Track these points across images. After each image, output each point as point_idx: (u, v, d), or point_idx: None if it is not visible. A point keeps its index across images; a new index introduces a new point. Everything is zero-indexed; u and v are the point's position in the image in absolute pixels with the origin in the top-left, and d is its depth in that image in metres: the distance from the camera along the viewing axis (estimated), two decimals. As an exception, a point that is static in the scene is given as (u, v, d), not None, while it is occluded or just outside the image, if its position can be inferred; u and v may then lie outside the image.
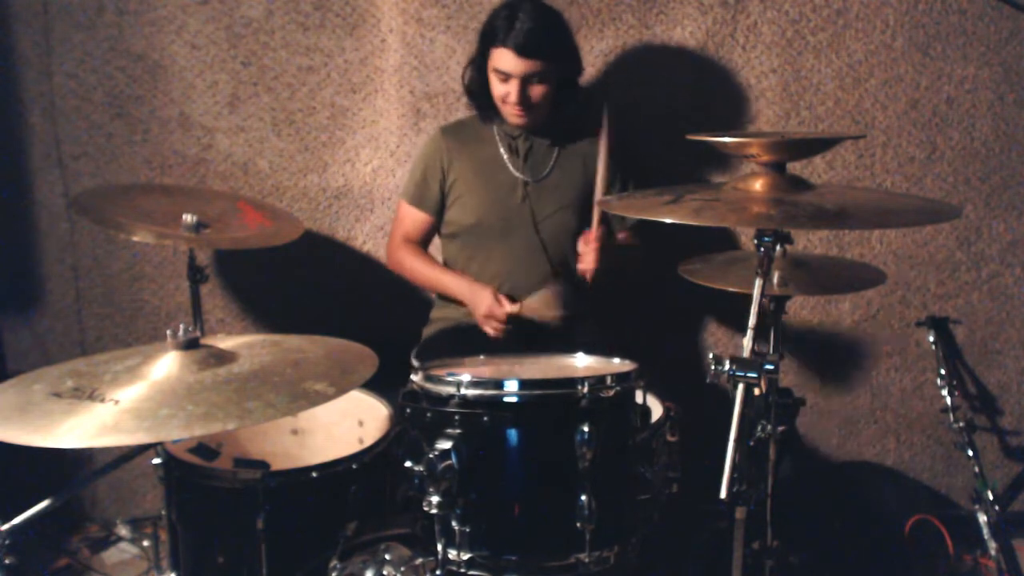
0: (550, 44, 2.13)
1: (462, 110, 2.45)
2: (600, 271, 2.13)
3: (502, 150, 2.27)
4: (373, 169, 2.59)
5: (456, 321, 2.32)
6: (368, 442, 1.82)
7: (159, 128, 2.52)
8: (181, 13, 2.46)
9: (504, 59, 2.10)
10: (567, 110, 2.26)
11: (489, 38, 2.13)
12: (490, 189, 2.26)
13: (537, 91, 2.14)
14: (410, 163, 2.47)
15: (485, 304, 2.16)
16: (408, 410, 1.52)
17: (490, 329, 2.17)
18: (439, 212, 2.33)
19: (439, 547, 1.45)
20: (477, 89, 2.23)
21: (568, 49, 2.22)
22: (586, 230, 2.18)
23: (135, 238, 2.09)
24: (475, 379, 1.48)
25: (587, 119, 2.26)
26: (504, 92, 2.14)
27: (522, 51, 2.07)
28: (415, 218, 2.35)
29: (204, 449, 1.85)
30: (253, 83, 2.52)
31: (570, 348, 1.80)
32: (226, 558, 1.71)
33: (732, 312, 2.66)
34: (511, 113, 2.18)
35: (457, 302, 2.31)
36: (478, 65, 2.20)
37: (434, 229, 2.38)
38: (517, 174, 2.25)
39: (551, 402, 1.50)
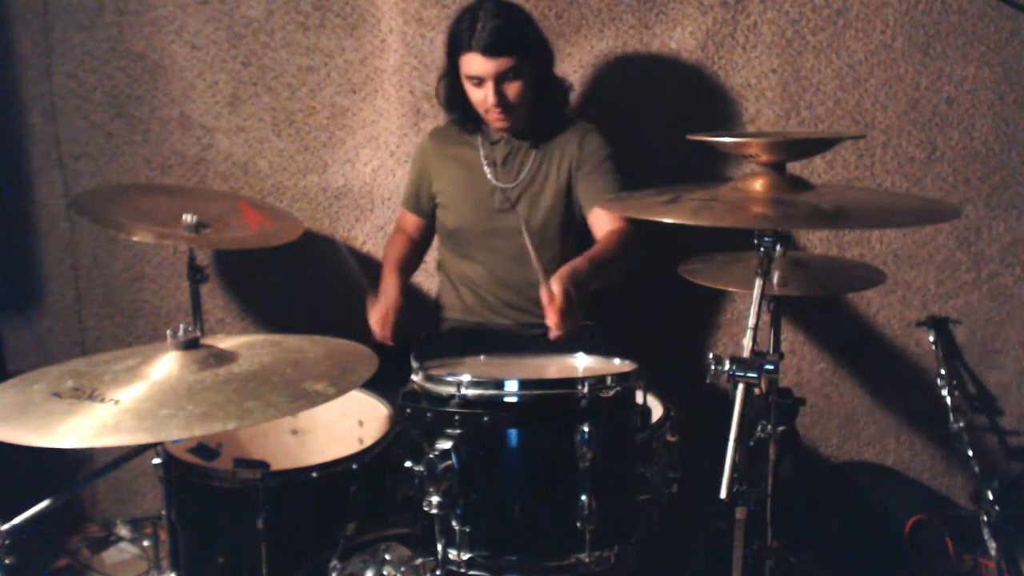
0: (516, 39, 2.08)
1: (462, 110, 2.45)
2: (570, 324, 1.83)
3: (481, 157, 2.25)
4: (373, 169, 2.59)
5: (456, 321, 2.32)
6: (368, 442, 1.82)
7: (159, 128, 2.52)
8: (181, 13, 2.46)
9: (473, 63, 2.06)
10: (549, 104, 2.22)
11: (456, 47, 2.09)
12: (470, 196, 2.25)
13: (513, 89, 2.09)
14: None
15: (372, 317, 2.14)
16: (408, 410, 1.52)
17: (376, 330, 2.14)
18: (431, 215, 2.34)
19: (439, 547, 1.45)
20: (454, 102, 2.20)
21: (535, 40, 2.17)
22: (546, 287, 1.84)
23: (135, 238, 2.09)
24: (475, 379, 1.47)
25: (568, 116, 2.25)
26: (481, 97, 2.10)
27: (489, 51, 2.03)
28: (410, 220, 2.38)
29: (204, 449, 1.85)
30: (253, 83, 2.52)
31: (570, 348, 1.80)
32: (226, 558, 1.71)
33: (732, 312, 2.66)
34: (493, 119, 2.15)
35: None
36: (451, 78, 2.17)
37: (430, 230, 2.39)
38: (494, 181, 2.24)
39: (551, 402, 1.49)
